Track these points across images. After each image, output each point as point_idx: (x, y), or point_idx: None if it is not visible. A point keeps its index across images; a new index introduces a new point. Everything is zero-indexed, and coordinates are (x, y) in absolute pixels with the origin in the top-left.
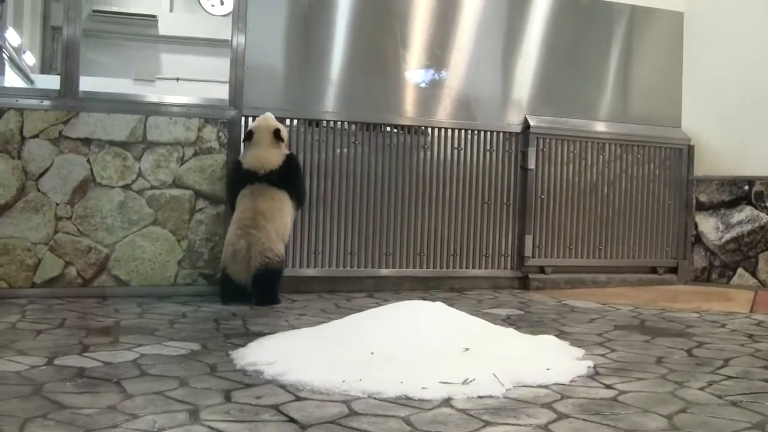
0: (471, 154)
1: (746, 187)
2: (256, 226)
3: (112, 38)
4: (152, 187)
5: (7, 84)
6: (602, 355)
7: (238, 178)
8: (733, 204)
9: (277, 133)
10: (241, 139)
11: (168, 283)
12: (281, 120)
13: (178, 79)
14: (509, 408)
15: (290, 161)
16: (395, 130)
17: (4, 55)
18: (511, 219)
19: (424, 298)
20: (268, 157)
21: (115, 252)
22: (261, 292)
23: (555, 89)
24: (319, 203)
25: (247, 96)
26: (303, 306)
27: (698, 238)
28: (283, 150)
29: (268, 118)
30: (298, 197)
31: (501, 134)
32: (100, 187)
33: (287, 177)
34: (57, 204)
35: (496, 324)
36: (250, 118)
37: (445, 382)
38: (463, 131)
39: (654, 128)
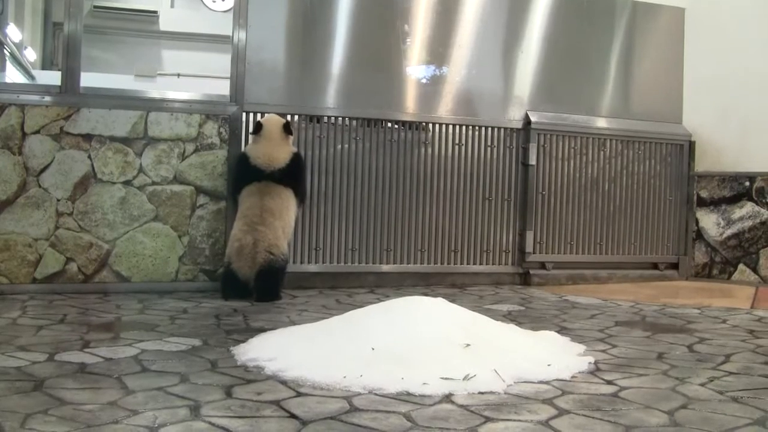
0: (472, 150)
1: (747, 183)
2: (263, 223)
3: (113, 34)
4: (153, 183)
5: (8, 80)
6: (603, 351)
7: (244, 172)
8: (734, 200)
9: (286, 127)
10: (248, 132)
11: (169, 279)
12: (282, 116)
13: (179, 75)
14: (510, 404)
15: (297, 159)
16: (396, 126)
17: (5, 51)
18: (512, 215)
19: (425, 294)
20: (276, 153)
21: (116, 248)
22: (263, 288)
23: (556, 85)
24: (320, 199)
25: (248, 92)
26: (304, 302)
27: (699, 234)
28: (291, 147)
29: (276, 115)
30: (301, 196)
31: (502, 130)
32: (101, 183)
33: (293, 175)
34: (58, 200)
35: (497, 320)
36: (251, 114)
37: (446, 378)
38: (464, 127)
39: (655, 124)
